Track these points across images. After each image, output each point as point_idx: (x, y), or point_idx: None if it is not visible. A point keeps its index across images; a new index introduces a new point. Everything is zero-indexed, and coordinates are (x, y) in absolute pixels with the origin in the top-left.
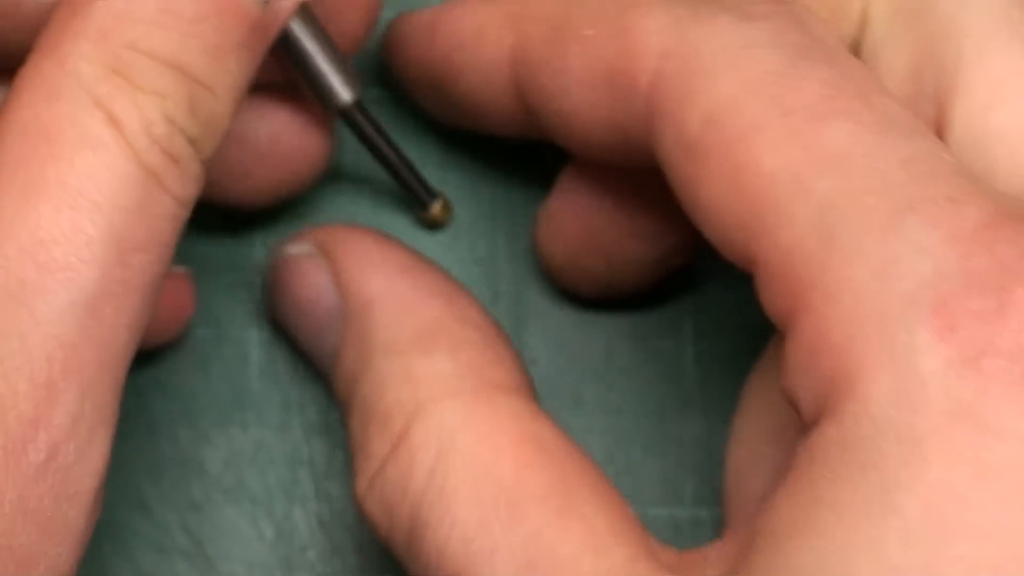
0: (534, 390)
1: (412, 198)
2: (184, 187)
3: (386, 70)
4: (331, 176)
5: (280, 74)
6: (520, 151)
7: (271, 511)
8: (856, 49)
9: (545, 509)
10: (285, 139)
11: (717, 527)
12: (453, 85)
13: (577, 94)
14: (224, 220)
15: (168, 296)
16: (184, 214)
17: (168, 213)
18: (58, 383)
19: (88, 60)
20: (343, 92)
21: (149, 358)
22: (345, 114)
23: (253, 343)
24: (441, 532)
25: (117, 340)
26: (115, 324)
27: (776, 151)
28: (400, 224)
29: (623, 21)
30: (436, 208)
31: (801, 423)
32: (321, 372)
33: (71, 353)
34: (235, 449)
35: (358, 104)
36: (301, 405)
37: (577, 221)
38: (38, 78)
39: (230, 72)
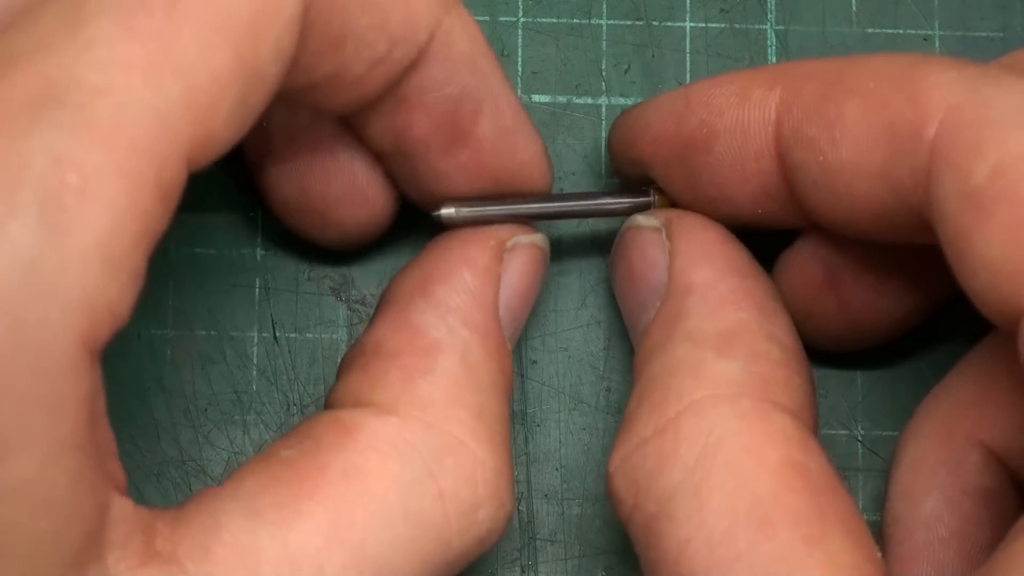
0: (817, 423)
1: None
2: None
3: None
4: None
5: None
6: None
7: None
8: None
9: (795, 534)
10: (358, 189)
11: None
12: (705, 155)
13: (850, 145)
14: (224, 224)
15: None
16: None
17: None
18: None
19: None
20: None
21: (150, 359)
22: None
23: (254, 345)
24: (686, 530)
25: None
26: None
27: None
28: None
29: (911, 74)
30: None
31: (978, 458)
32: (633, 343)
33: None
34: (236, 450)
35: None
36: (301, 406)
37: (820, 273)
38: None
39: None
